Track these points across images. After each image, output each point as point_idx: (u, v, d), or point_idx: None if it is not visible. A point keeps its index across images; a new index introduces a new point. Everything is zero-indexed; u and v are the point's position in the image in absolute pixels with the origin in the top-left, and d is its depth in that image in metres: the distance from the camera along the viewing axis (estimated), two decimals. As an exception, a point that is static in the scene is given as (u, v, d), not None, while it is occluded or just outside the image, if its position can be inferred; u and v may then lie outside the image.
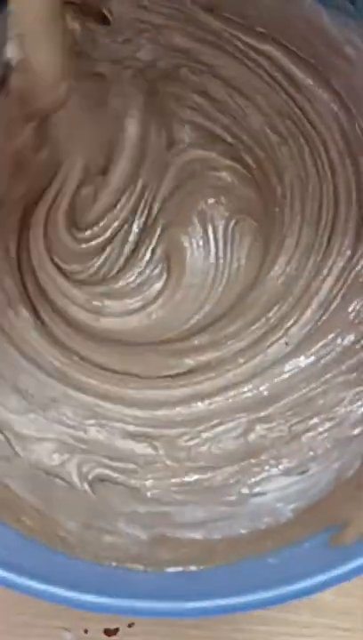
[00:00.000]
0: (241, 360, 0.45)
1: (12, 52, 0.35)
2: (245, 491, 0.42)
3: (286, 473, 0.42)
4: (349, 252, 0.44)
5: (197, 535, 0.40)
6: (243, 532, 0.40)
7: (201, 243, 0.45)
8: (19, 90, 0.38)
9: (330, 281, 0.44)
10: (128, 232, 0.46)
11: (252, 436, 0.43)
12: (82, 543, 0.37)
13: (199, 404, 0.44)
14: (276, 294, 0.45)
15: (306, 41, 0.42)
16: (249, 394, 0.44)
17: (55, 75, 0.39)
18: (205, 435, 0.44)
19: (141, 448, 0.44)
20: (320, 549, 0.36)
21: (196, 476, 0.43)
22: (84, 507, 0.41)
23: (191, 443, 0.44)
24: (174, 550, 0.38)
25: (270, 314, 0.45)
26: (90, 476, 0.42)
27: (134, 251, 0.46)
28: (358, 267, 0.44)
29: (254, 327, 0.45)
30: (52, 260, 0.45)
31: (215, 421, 0.44)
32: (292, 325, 0.45)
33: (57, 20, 0.37)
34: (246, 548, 0.38)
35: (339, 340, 0.44)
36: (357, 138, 0.43)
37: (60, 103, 0.41)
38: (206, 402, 0.44)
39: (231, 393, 0.44)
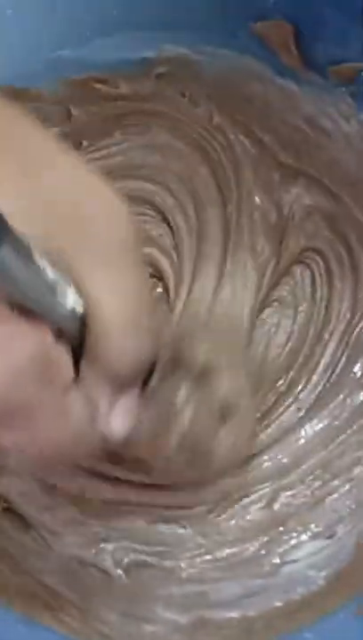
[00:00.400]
0: (257, 430, 0.46)
1: (73, 299, 0.25)
2: (276, 560, 0.43)
3: (315, 538, 0.43)
4: (348, 316, 0.45)
5: (234, 613, 0.40)
6: (278, 604, 0.41)
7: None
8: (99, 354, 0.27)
9: (332, 345, 0.45)
10: None
11: (277, 505, 0.44)
12: (124, 638, 0.39)
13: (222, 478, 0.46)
14: (280, 369, 0.46)
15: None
16: (269, 463, 0.45)
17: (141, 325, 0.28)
18: (231, 509, 0.45)
19: (171, 529, 0.44)
20: (355, 619, 0.37)
21: (227, 551, 0.44)
22: (122, 594, 0.42)
23: (219, 518, 0.45)
24: (214, 633, 0.39)
25: (279, 383, 0.46)
26: (124, 562, 0.43)
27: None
28: (358, 328, 0.45)
29: (264, 401, 0.46)
30: None
31: (240, 494, 0.45)
32: (301, 391, 0.46)
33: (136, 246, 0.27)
34: (282, 624, 0.39)
35: (348, 401, 0.45)
36: (343, 212, 0.45)
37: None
38: (229, 476, 0.45)
39: (252, 464, 0.45)
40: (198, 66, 0.45)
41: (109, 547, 0.44)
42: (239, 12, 0.42)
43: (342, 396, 0.45)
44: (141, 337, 0.27)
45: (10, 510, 0.44)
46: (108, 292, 0.25)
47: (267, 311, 0.47)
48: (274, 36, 0.42)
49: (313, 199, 0.46)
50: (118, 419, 0.29)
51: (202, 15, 0.43)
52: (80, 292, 0.25)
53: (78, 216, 0.25)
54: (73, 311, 0.25)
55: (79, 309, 0.25)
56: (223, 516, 0.45)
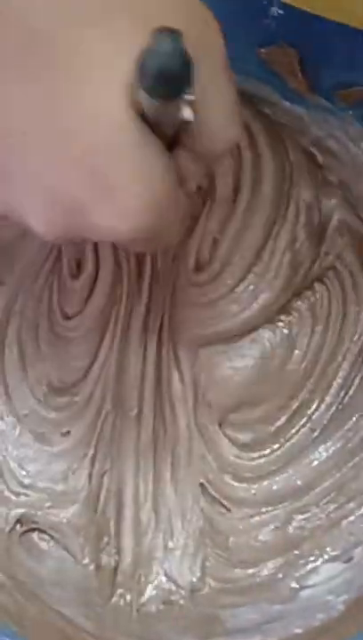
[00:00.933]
0: (275, 445, 0.45)
1: (188, 112, 0.28)
2: (294, 585, 0.43)
3: (332, 561, 0.43)
4: (362, 338, 0.45)
5: (254, 640, 0.40)
6: (298, 631, 0.40)
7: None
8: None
9: (346, 366, 0.45)
10: None
11: (290, 528, 0.44)
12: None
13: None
14: (295, 388, 0.45)
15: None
16: (282, 483, 0.45)
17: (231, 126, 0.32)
18: (241, 525, 0.44)
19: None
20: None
21: (237, 571, 0.44)
22: (138, 622, 0.42)
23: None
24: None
25: (292, 402, 0.46)
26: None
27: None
28: (373, 350, 0.45)
29: (278, 414, 0.45)
30: None
31: (252, 512, 0.45)
32: (314, 411, 0.45)
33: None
34: (303, 651, 0.38)
35: (362, 423, 0.45)
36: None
37: None
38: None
39: (265, 483, 0.45)
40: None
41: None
42: (244, 36, 0.42)
43: (355, 419, 0.45)
44: (236, 130, 0.31)
45: (27, 539, 0.45)
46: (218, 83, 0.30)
47: (285, 319, 0.46)
48: (279, 61, 0.42)
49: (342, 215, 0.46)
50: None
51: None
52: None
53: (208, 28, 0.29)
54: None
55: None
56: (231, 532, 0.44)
